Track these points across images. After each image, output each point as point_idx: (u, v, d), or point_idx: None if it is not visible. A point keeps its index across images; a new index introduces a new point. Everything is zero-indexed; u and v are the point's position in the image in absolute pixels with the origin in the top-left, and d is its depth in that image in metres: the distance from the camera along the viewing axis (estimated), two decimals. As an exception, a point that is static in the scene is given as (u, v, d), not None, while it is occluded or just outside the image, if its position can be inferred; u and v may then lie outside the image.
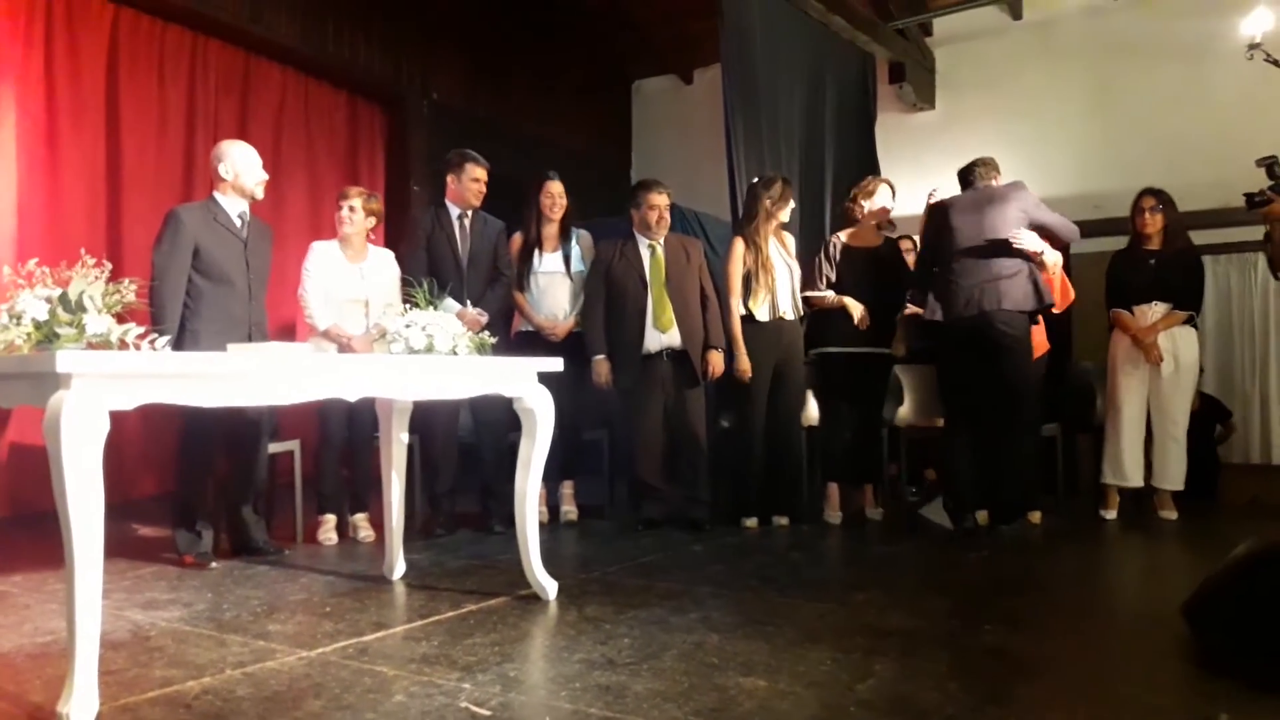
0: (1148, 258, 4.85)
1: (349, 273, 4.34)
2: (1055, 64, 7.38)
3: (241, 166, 3.85)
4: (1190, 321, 4.83)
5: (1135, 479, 4.87)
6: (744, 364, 4.55)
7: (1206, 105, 6.75)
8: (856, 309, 4.68)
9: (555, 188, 4.77)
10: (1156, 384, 4.83)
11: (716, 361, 4.62)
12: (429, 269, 4.35)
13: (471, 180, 4.52)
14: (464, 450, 4.63)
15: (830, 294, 4.74)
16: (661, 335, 4.57)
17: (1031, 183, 4.68)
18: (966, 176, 4.61)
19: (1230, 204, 6.64)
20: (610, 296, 4.62)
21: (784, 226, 4.76)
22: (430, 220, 4.56)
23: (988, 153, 4.70)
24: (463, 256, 4.50)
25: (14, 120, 5.06)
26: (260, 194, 3.93)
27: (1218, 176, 6.66)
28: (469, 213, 4.56)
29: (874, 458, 4.91)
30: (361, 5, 6.80)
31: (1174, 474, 4.83)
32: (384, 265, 4.44)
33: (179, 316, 3.68)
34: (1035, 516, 4.66)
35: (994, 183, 4.55)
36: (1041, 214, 4.49)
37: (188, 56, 6.03)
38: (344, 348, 4.20)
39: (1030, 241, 4.32)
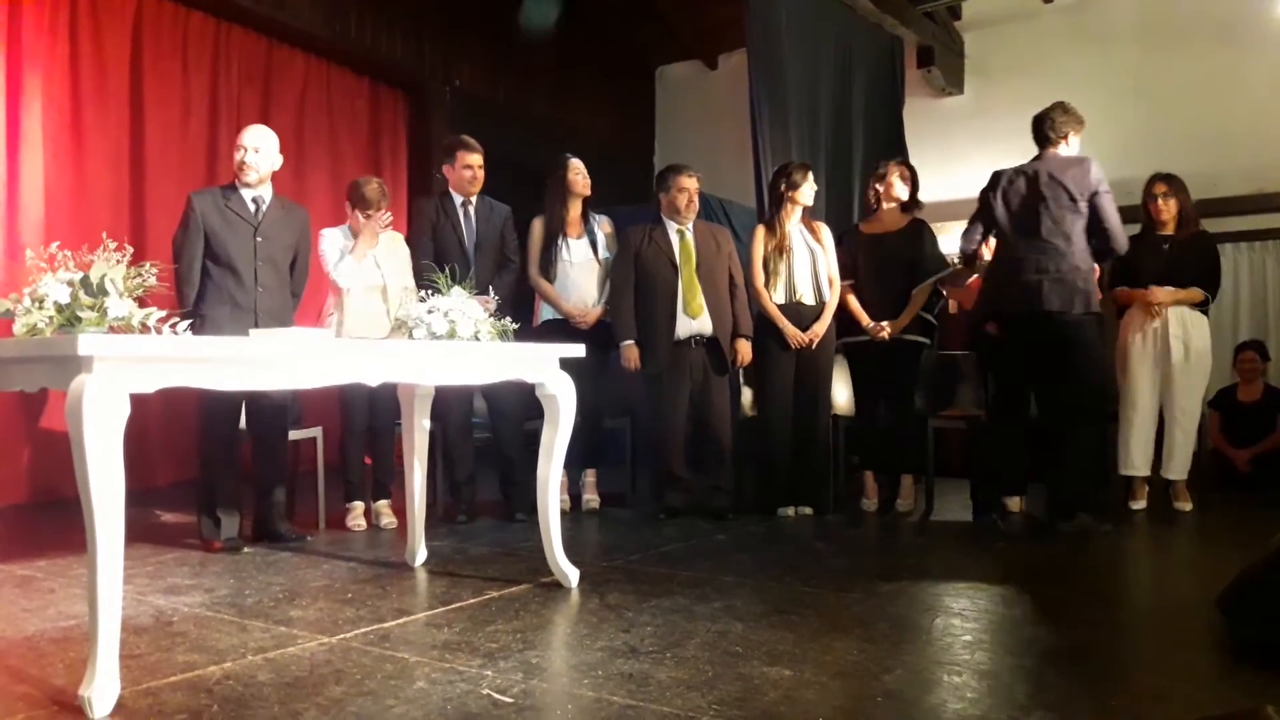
0: (1161, 243, 4.74)
1: (364, 261, 4.31)
2: (1087, 48, 7.24)
3: (237, 149, 3.84)
4: (1203, 308, 4.72)
5: (1142, 469, 4.77)
6: (792, 331, 4.50)
7: (1243, 89, 6.63)
8: (862, 318, 4.65)
9: (580, 164, 4.72)
10: (1168, 372, 4.71)
11: (745, 350, 4.58)
12: (435, 257, 4.27)
13: (464, 167, 4.45)
14: (481, 438, 4.62)
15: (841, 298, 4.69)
16: (691, 321, 4.51)
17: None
18: (1040, 129, 4.21)
19: (1267, 189, 6.57)
20: (638, 282, 4.56)
21: (809, 211, 4.70)
22: (434, 209, 4.52)
23: (1017, 139, 4.47)
24: (469, 244, 4.46)
25: (40, 108, 5.10)
26: (246, 176, 3.81)
27: (1255, 161, 6.57)
28: (472, 200, 4.52)
29: (912, 448, 4.80)
30: (383, -9, 6.79)
31: (1179, 464, 4.73)
32: (396, 248, 4.40)
33: (192, 300, 3.72)
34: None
35: (1063, 147, 4.19)
36: (1106, 204, 4.08)
37: (211, 43, 6.06)
38: None
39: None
